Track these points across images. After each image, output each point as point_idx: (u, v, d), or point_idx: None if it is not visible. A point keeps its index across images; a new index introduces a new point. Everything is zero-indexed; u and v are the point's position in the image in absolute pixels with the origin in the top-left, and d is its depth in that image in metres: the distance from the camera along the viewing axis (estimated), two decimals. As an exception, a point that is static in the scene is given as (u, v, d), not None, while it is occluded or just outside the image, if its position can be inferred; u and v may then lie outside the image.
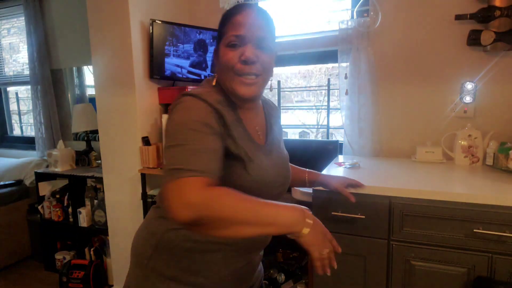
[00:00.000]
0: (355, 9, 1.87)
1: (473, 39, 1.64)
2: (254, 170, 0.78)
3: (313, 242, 0.68)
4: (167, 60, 1.94)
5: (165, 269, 0.83)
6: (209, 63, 2.10)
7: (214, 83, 0.85)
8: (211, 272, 0.84)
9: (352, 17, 1.90)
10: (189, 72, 2.05)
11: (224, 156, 0.73)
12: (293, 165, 1.13)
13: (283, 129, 2.30)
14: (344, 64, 1.90)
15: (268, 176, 0.82)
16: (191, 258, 0.83)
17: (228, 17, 0.81)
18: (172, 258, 0.83)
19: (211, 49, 2.08)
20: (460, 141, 1.68)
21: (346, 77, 1.90)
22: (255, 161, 0.79)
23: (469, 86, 1.72)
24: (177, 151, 0.67)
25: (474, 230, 1.20)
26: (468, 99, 1.73)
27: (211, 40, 2.07)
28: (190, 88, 1.97)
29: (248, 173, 0.77)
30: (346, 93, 1.90)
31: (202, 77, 2.11)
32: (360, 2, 1.86)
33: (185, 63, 2.02)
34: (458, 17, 1.67)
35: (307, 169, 1.18)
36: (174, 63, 1.98)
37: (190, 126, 0.69)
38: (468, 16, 1.64)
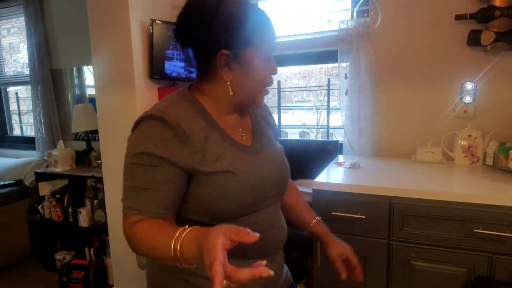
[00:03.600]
0: (355, 9, 1.87)
1: (473, 39, 1.64)
2: (239, 173, 0.75)
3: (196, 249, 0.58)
4: (171, 63, 1.94)
5: (188, 277, 0.80)
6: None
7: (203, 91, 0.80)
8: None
9: (352, 17, 1.90)
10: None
11: (197, 175, 0.72)
12: (306, 204, 1.04)
13: (283, 129, 2.31)
14: (344, 64, 1.90)
15: (257, 175, 0.78)
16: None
17: (262, 26, 0.77)
18: (191, 280, 0.79)
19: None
20: (460, 141, 1.68)
21: (346, 77, 1.90)
22: (238, 165, 0.76)
23: (469, 86, 1.72)
24: (124, 186, 0.72)
25: (474, 230, 1.20)
26: (468, 99, 1.73)
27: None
28: (190, 88, 1.97)
29: (233, 177, 0.74)
30: (346, 93, 1.90)
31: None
32: (360, 2, 1.86)
33: (191, 65, 2.02)
34: (458, 17, 1.67)
35: (318, 218, 1.02)
36: (180, 66, 1.98)
37: (134, 160, 0.71)
38: (468, 16, 1.64)
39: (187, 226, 0.62)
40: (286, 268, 0.96)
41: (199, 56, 0.80)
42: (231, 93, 0.78)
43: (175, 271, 0.78)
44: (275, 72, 0.80)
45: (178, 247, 0.59)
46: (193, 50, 0.80)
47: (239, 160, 0.77)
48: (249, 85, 0.78)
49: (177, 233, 0.61)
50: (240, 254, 0.74)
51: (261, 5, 2.17)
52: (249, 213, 0.78)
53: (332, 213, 1.38)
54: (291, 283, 0.98)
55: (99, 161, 2.50)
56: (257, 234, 0.52)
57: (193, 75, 2.05)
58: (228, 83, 0.77)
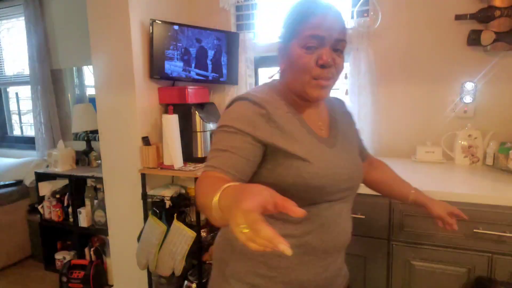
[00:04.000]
0: (355, 9, 1.87)
1: (473, 39, 1.64)
2: (314, 162, 0.78)
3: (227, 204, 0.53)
4: (171, 63, 1.94)
5: (244, 276, 0.83)
6: (210, 65, 2.10)
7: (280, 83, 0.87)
8: (289, 278, 0.82)
9: (352, 17, 1.90)
10: (197, 74, 2.06)
11: (274, 153, 0.78)
12: (399, 177, 1.09)
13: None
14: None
15: (330, 167, 0.80)
16: (267, 264, 0.82)
17: (305, 15, 0.78)
18: (250, 265, 0.83)
19: (210, 52, 2.08)
20: (460, 141, 1.68)
21: (346, 77, 1.90)
22: (314, 152, 0.79)
23: (469, 86, 1.72)
24: (210, 150, 0.80)
25: (474, 230, 1.20)
26: (468, 99, 1.73)
27: (215, 41, 2.07)
28: (190, 88, 1.97)
29: (308, 163, 0.77)
30: (346, 93, 1.90)
31: (210, 78, 2.11)
32: (360, 2, 1.86)
33: (191, 65, 2.02)
34: (458, 17, 1.67)
35: (414, 187, 1.06)
36: (180, 66, 1.98)
37: (220, 129, 0.79)
38: (468, 16, 1.64)
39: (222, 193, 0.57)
40: (345, 269, 0.96)
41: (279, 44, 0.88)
42: (287, 81, 0.84)
43: (239, 282, 0.84)
44: (321, 61, 0.77)
45: (220, 193, 0.55)
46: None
47: (315, 148, 0.80)
48: (293, 75, 0.82)
49: (228, 184, 0.57)
50: (301, 248, 0.79)
51: (261, 5, 2.17)
52: (317, 203, 0.80)
53: (332, 213, 1.38)
54: (347, 285, 0.99)
55: (99, 161, 2.50)
56: (303, 210, 0.47)
57: (190, 74, 2.05)
58: (279, 72, 0.86)
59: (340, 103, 1.01)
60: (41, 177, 2.59)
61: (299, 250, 0.80)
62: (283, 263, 0.81)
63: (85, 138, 2.73)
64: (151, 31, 1.86)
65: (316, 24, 0.76)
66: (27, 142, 3.24)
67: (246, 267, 0.83)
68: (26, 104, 3.39)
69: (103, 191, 2.16)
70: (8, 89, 3.43)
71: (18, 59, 3.23)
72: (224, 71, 2.15)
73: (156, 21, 1.87)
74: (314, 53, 0.77)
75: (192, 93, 1.98)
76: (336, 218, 0.83)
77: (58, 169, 2.52)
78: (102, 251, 2.46)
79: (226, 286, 0.86)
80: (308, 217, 0.79)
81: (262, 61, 2.25)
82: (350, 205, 0.90)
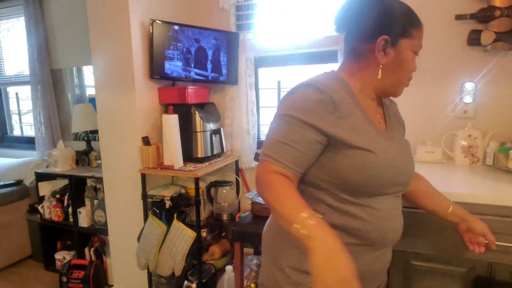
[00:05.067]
0: (355, 9, 1.87)
1: (473, 39, 1.64)
2: (378, 153, 0.79)
3: (320, 260, 0.60)
4: (171, 63, 1.94)
5: (298, 264, 0.84)
6: (210, 64, 2.10)
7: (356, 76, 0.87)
8: None
9: (352, 17, 1.90)
10: (197, 74, 2.06)
11: (336, 143, 0.79)
12: (436, 189, 1.07)
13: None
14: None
15: (391, 159, 0.82)
16: None
17: (418, 21, 0.86)
18: (302, 253, 0.82)
19: (210, 52, 2.08)
20: (460, 141, 1.68)
21: (346, 77, 1.90)
22: (377, 144, 0.81)
23: (469, 86, 1.72)
24: (268, 137, 0.80)
25: (474, 230, 1.20)
26: (468, 99, 1.73)
27: (214, 41, 2.07)
28: (190, 88, 1.97)
29: (373, 154, 0.79)
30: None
31: (210, 78, 2.11)
32: (360, 2, 1.86)
33: (191, 65, 2.02)
34: (458, 17, 1.66)
35: (452, 201, 1.05)
36: (180, 67, 1.98)
37: (282, 118, 0.79)
38: (468, 16, 1.64)
39: (316, 214, 0.68)
40: (389, 265, 0.98)
41: (356, 39, 0.86)
42: (379, 76, 0.85)
43: (293, 270, 0.85)
44: (415, 69, 0.87)
45: (300, 225, 0.65)
46: (349, 33, 0.88)
47: (377, 140, 0.82)
48: (397, 73, 0.85)
49: (306, 212, 0.67)
50: (357, 238, 0.82)
51: (261, 5, 2.18)
52: (375, 195, 0.82)
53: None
54: (387, 284, 1.01)
55: (99, 161, 2.50)
56: None
57: (190, 74, 2.05)
58: (381, 66, 0.84)
59: (392, 102, 1.03)
60: (41, 177, 2.59)
61: (355, 240, 0.82)
62: None
63: (85, 138, 2.73)
64: (151, 31, 1.86)
65: (422, 34, 0.87)
66: (27, 142, 3.24)
67: (301, 256, 0.83)
68: (26, 104, 3.39)
69: (103, 191, 2.16)
70: (8, 89, 3.43)
71: (18, 59, 3.23)
72: (224, 71, 2.15)
73: (156, 21, 1.87)
74: (414, 60, 0.86)
75: (192, 93, 1.98)
76: (392, 212, 0.86)
77: (58, 169, 2.52)
78: (102, 251, 2.46)
79: (280, 275, 0.86)
80: (366, 209, 0.81)
81: (262, 61, 2.25)
82: (401, 201, 0.92)
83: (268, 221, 0.99)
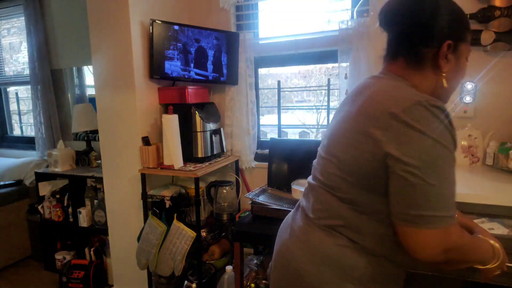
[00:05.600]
0: (355, 9, 1.87)
1: (473, 39, 1.64)
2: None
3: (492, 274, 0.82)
4: (171, 63, 1.94)
5: (377, 276, 0.78)
6: (210, 65, 2.10)
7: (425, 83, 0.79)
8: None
9: (352, 17, 1.90)
10: (197, 74, 2.06)
11: None
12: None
13: (283, 129, 2.31)
14: (344, 64, 1.90)
15: None
16: (392, 261, 0.79)
17: (469, 25, 0.80)
18: (381, 264, 0.78)
19: (210, 52, 2.08)
20: (460, 141, 1.68)
21: (346, 77, 1.90)
22: None
23: (469, 86, 1.72)
24: (434, 193, 0.65)
25: (474, 230, 1.20)
26: (468, 99, 1.73)
27: (215, 40, 2.07)
28: (190, 88, 1.97)
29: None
30: (346, 93, 1.90)
31: (210, 78, 2.11)
32: (360, 2, 1.86)
33: (191, 65, 2.02)
34: (458, 17, 1.66)
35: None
36: (180, 67, 1.98)
37: (448, 161, 0.67)
38: (468, 16, 1.64)
39: (493, 242, 0.83)
40: None
41: (414, 41, 0.77)
42: (445, 84, 0.78)
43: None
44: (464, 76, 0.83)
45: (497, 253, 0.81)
46: (402, 32, 0.79)
47: None
48: (456, 80, 0.80)
49: (496, 243, 0.82)
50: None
51: (261, 5, 2.18)
52: None
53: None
54: None
55: (99, 161, 2.50)
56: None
57: (190, 74, 2.05)
58: (444, 74, 0.77)
59: None
60: (41, 177, 2.59)
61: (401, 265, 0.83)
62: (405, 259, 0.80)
63: (85, 138, 2.73)
64: (151, 31, 1.86)
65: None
66: (27, 142, 3.24)
67: (379, 268, 0.78)
68: (26, 104, 3.39)
69: (103, 191, 2.16)
70: (8, 89, 3.43)
71: (18, 59, 3.23)
72: (224, 71, 2.15)
73: (156, 21, 1.87)
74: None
75: (192, 93, 1.98)
76: None
77: (58, 169, 2.52)
78: (102, 251, 2.46)
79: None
80: None
81: (262, 61, 2.25)
82: None
83: (307, 257, 0.81)
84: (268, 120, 2.45)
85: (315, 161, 0.94)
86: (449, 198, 0.67)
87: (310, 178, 0.95)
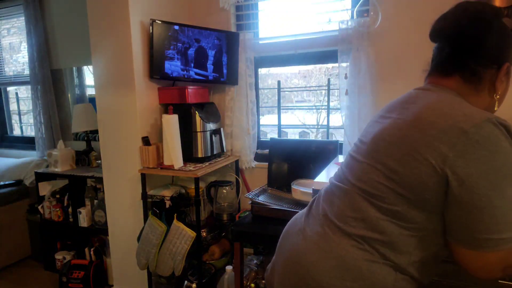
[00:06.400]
0: (355, 9, 1.87)
1: (473, 39, 1.64)
2: None
3: None
4: (171, 63, 1.94)
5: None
6: (210, 65, 2.10)
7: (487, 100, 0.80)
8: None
9: (352, 17, 1.90)
10: (197, 73, 2.06)
11: None
12: None
13: (283, 129, 2.31)
14: (344, 64, 1.90)
15: None
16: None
17: None
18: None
19: (211, 52, 2.08)
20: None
21: (346, 77, 1.90)
22: None
23: (469, 86, 1.72)
24: (501, 214, 0.63)
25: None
26: (468, 99, 1.73)
27: (215, 40, 2.07)
28: (190, 88, 1.97)
29: None
30: (346, 93, 1.90)
31: (210, 78, 2.11)
32: (360, 2, 1.86)
33: (191, 65, 2.02)
34: (458, 17, 1.66)
35: None
36: (180, 67, 1.98)
37: None
38: (468, 16, 1.64)
39: None
40: None
41: (476, 62, 0.77)
42: (496, 108, 0.80)
43: None
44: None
45: None
46: (467, 52, 0.78)
47: None
48: (502, 101, 0.81)
49: None
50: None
51: (261, 5, 2.18)
52: None
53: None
54: None
55: (99, 161, 2.50)
56: None
57: (190, 74, 2.05)
58: (497, 97, 0.79)
59: None
60: (41, 177, 2.59)
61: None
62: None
63: (85, 138, 2.73)
64: (151, 31, 1.86)
65: None
66: (27, 142, 3.24)
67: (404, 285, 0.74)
68: (26, 104, 3.39)
69: (103, 191, 2.16)
70: (8, 89, 3.43)
71: (18, 59, 3.23)
72: (224, 71, 2.15)
73: (156, 21, 1.87)
74: None
75: (192, 93, 1.98)
76: None
77: (58, 169, 2.52)
78: (102, 251, 2.46)
79: None
80: None
81: (262, 61, 2.25)
82: None
83: (333, 269, 0.75)
84: (268, 120, 2.45)
85: (343, 164, 0.89)
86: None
87: (334, 180, 0.89)
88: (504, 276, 0.68)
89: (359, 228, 0.74)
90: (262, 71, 2.35)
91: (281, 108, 2.26)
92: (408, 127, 0.74)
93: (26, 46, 2.90)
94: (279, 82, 2.22)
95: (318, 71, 2.40)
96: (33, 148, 3.07)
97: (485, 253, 0.64)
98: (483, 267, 0.66)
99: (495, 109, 0.79)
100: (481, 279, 0.82)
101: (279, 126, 2.28)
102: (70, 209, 2.48)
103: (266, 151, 2.18)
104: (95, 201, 2.38)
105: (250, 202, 1.75)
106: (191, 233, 1.76)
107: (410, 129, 0.73)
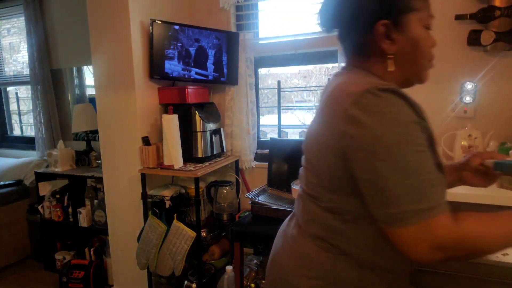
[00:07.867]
0: (355, 9, 1.87)
1: (473, 39, 1.64)
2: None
3: None
4: (171, 63, 1.94)
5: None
6: (211, 64, 2.10)
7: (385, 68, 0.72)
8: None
9: (352, 17, 1.90)
10: (197, 73, 2.06)
11: None
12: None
13: (283, 129, 2.31)
14: (344, 64, 1.90)
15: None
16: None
17: None
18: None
19: (211, 52, 2.08)
20: (460, 141, 1.68)
21: (346, 77, 1.89)
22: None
23: (469, 86, 1.72)
24: (398, 186, 0.59)
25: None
26: (468, 99, 1.73)
27: (215, 40, 2.07)
28: (190, 88, 1.97)
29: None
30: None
31: (210, 78, 2.11)
32: (360, 2, 1.86)
33: (191, 65, 2.02)
34: (458, 17, 1.66)
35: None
36: (180, 67, 1.98)
37: (411, 145, 0.60)
38: (468, 16, 1.64)
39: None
40: None
41: (352, 33, 0.74)
42: (391, 68, 0.71)
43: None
44: (435, 43, 0.73)
45: None
46: (343, 27, 0.76)
47: None
48: (415, 57, 0.72)
49: None
50: (406, 273, 0.79)
51: (261, 5, 2.18)
52: None
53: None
54: None
55: (99, 161, 2.50)
56: None
57: (190, 74, 2.05)
58: (389, 56, 0.71)
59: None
60: (41, 177, 2.59)
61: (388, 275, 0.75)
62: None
63: (85, 138, 2.73)
64: (151, 31, 1.86)
65: (429, 3, 0.71)
66: (27, 142, 3.24)
67: (375, 280, 0.75)
68: (26, 104, 3.39)
69: (103, 191, 2.16)
70: (8, 89, 3.43)
71: (18, 59, 3.23)
72: (224, 71, 2.15)
73: (156, 21, 1.87)
74: (429, 35, 0.73)
75: (192, 93, 1.98)
76: None
77: (58, 169, 2.52)
78: (102, 251, 2.46)
79: None
80: None
81: (262, 61, 2.25)
82: None
83: (299, 269, 0.77)
84: (268, 120, 2.45)
85: (301, 169, 0.89)
86: (418, 188, 0.59)
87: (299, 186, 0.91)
88: (449, 257, 0.61)
89: (315, 229, 0.76)
90: (262, 71, 2.35)
91: (281, 108, 2.26)
92: (315, 121, 0.76)
93: (26, 46, 2.91)
94: (279, 82, 2.22)
95: (318, 71, 2.40)
96: (33, 148, 3.07)
97: (397, 229, 0.61)
98: (408, 247, 0.61)
99: (390, 69, 0.72)
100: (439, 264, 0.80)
101: (279, 126, 2.28)
102: (70, 209, 2.48)
103: (266, 151, 2.18)
104: (95, 201, 2.38)
105: (250, 202, 1.75)
106: (191, 233, 1.76)
107: (316, 122, 0.75)
